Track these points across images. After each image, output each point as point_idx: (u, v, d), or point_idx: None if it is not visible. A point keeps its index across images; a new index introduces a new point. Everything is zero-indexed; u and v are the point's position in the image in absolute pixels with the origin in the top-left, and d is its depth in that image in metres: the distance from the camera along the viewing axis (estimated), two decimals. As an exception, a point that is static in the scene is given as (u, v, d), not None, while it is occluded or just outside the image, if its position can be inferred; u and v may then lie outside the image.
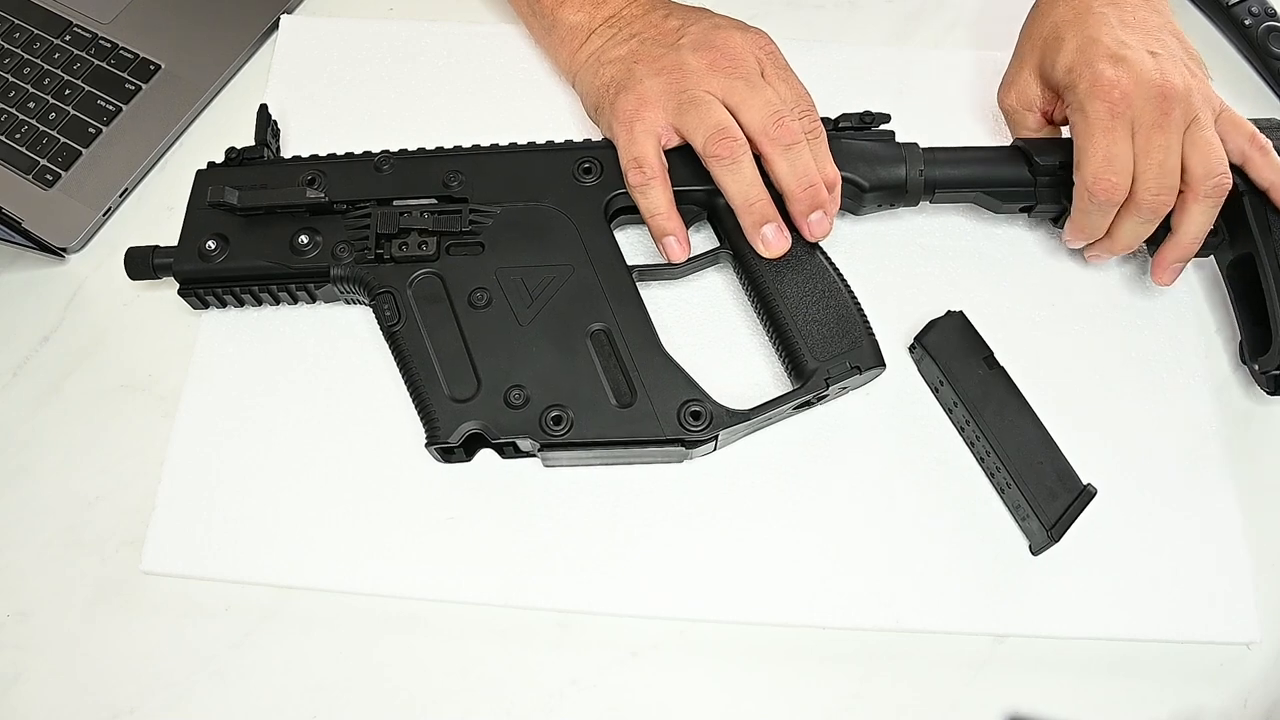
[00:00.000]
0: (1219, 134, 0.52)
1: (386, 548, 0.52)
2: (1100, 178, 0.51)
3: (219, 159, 0.57)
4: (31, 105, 0.64)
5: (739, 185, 0.52)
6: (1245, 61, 0.67)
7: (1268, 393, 0.55)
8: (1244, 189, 0.54)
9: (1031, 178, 0.56)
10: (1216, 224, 0.54)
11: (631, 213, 0.55)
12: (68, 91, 0.64)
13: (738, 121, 0.52)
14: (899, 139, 0.57)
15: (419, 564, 0.51)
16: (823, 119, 0.54)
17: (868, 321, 0.53)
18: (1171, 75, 0.51)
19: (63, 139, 0.63)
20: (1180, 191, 0.52)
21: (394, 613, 0.52)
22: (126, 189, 0.62)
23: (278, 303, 0.56)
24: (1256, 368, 0.54)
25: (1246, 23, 0.67)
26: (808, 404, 0.54)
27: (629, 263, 0.54)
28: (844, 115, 0.56)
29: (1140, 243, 0.54)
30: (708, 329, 0.57)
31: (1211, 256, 0.58)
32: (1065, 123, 0.55)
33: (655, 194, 0.53)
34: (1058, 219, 0.57)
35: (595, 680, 0.50)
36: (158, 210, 0.62)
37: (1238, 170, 0.53)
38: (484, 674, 0.51)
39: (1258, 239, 0.54)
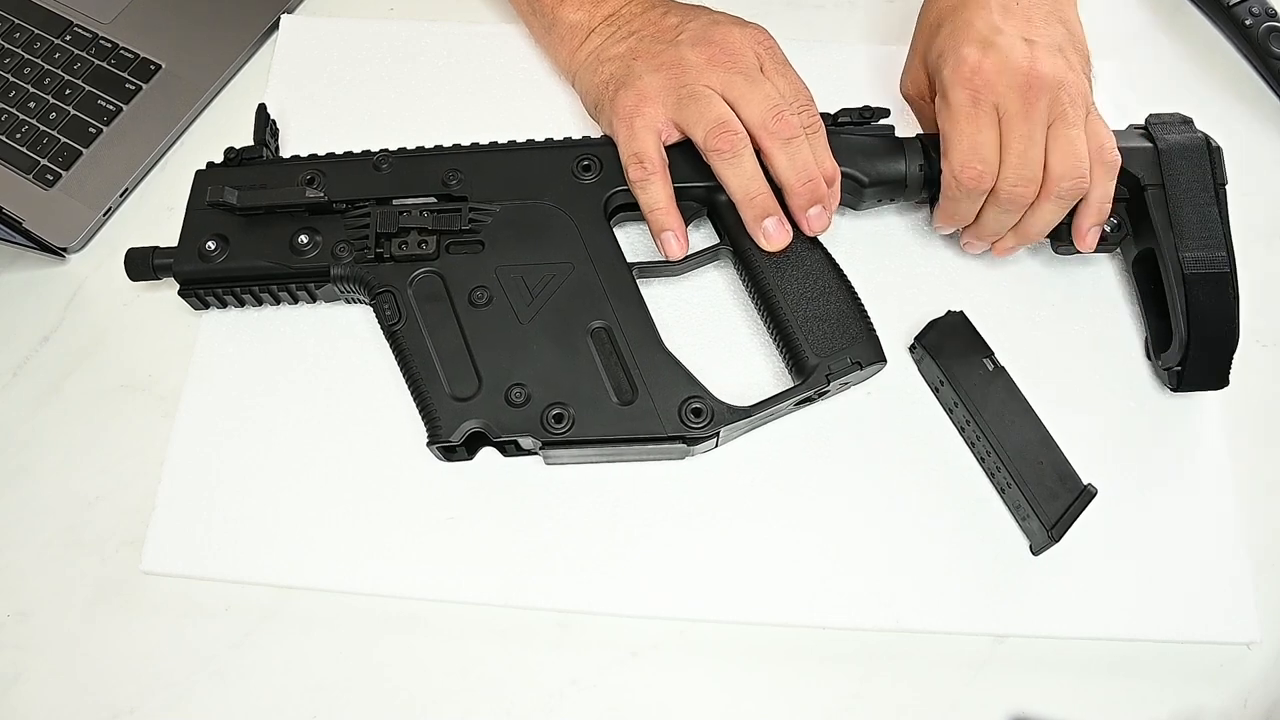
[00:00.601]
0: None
1: (386, 548, 0.52)
2: (966, 165, 0.50)
3: (219, 159, 0.57)
4: (32, 105, 0.64)
5: (740, 179, 0.52)
6: (1245, 61, 0.67)
7: (1171, 389, 0.55)
8: (1146, 184, 0.54)
9: (932, 173, 0.55)
10: (1121, 219, 0.55)
11: (631, 210, 0.55)
12: (68, 91, 0.64)
13: (737, 116, 0.52)
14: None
15: (419, 564, 0.51)
16: (822, 114, 0.54)
17: (868, 317, 0.53)
18: (1042, 64, 0.49)
19: (63, 139, 0.63)
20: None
21: (394, 613, 0.52)
22: (127, 189, 0.62)
23: (278, 302, 0.56)
24: (1159, 363, 0.55)
25: (1247, 23, 0.67)
26: (809, 400, 0.54)
27: (629, 260, 0.54)
28: (843, 110, 0.56)
29: (1005, 230, 0.54)
30: (708, 326, 0.57)
31: (1117, 251, 0.58)
32: None
33: (655, 189, 0.53)
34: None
35: (595, 680, 0.50)
36: (158, 210, 0.62)
37: (1136, 164, 0.54)
38: (484, 674, 0.51)
39: (1159, 235, 0.54)
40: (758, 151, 0.52)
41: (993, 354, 0.53)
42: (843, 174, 0.54)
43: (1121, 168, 0.55)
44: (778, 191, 0.53)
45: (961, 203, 0.52)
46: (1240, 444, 0.55)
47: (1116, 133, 0.57)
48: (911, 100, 0.58)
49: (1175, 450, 0.55)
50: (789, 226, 0.53)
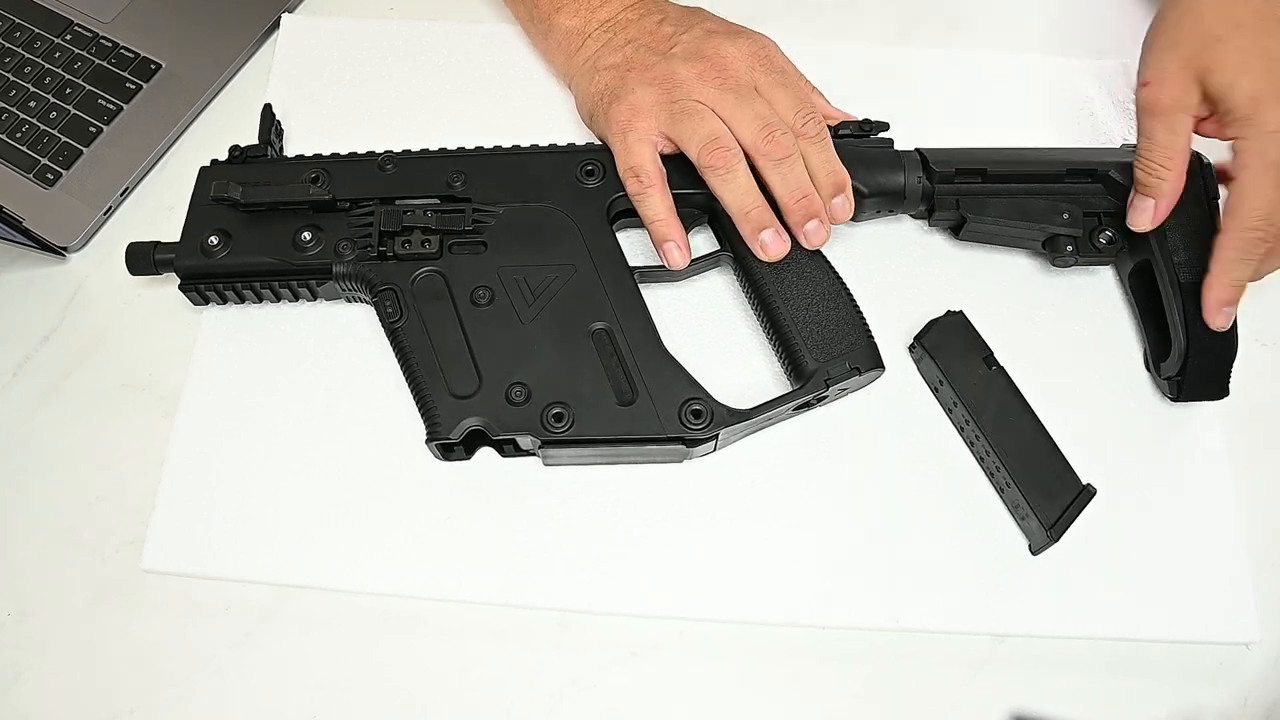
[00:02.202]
0: None
1: (386, 548, 0.52)
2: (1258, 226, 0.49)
3: (220, 158, 0.57)
4: (32, 104, 0.64)
5: (734, 194, 0.52)
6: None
7: (1171, 398, 0.55)
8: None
9: (931, 185, 0.56)
10: (1115, 233, 0.56)
11: (634, 215, 0.55)
12: (68, 90, 0.64)
13: (732, 134, 0.52)
14: (898, 140, 0.57)
15: (419, 564, 0.51)
16: None
17: (867, 324, 0.53)
18: None
19: (63, 138, 0.63)
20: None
21: (394, 613, 0.52)
22: (127, 188, 0.62)
23: (279, 299, 0.56)
24: (1159, 373, 0.55)
25: (1246, 23, 0.66)
26: (807, 405, 0.54)
27: (631, 264, 0.54)
28: (843, 123, 0.57)
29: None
30: (708, 329, 0.57)
31: (1111, 265, 0.59)
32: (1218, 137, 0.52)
33: (654, 201, 0.53)
34: (957, 229, 0.57)
35: (595, 680, 0.50)
36: (158, 209, 0.62)
37: (1130, 179, 0.54)
38: (484, 674, 0.51)
39: (1154, 246, 0.54)
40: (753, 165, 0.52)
41: (992, 354, 0.53)
42: None
43: (1115, 181, 0.55)
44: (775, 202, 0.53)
45: (1245, 264, 0.50)
46: (1240, 444, 0.55)
47: (1111, 149, 0.58)
48: (1157, 107, 0.51)
49: (1175, 450, 0.55)
50: (786, 236, 0.53)
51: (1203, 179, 0.55)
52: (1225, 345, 0.53)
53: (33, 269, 0.60)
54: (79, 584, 0.52)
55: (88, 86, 0.64)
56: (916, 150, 0.57)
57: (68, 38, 0.66)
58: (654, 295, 0.56)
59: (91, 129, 0.63)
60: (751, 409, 0.51)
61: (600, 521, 0.52)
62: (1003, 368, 0.53)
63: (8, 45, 0.66)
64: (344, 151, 0.57)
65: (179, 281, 0.55)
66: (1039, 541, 0.51)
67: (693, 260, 0.54)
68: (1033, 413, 0.52)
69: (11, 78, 0.65)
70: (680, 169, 0.54)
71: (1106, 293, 0.59)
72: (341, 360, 0.56)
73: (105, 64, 0.65)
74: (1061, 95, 0.65)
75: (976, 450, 0.54)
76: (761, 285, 0.54)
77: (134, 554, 0.52)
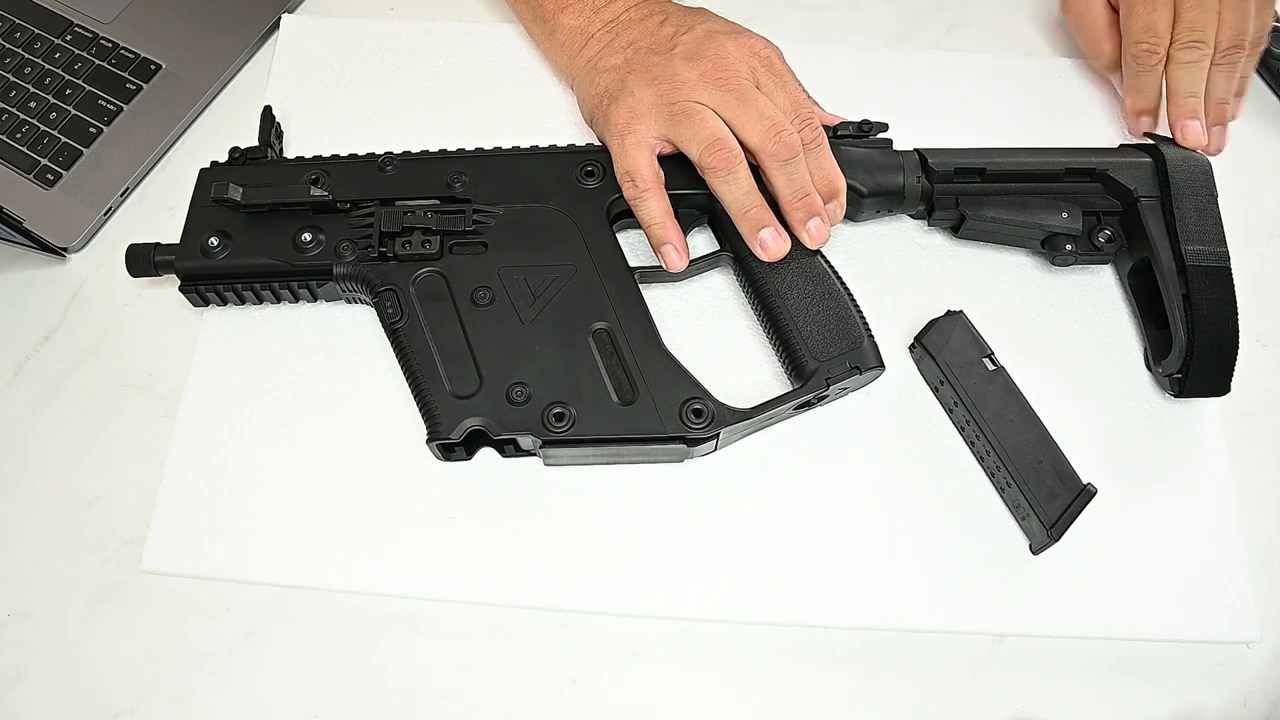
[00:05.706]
0: None
1: (386, 548, 0.52)
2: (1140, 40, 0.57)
3: (220, 158, 0.57)
4: (33, 105, 0.64)
5: (735, 194, 0.52)
6: (1244, 62, 0.67)
7: (1173, 395, 0.55)
8: (1139, 195, 0.55)
9: (930, 185, 0.56)
10: (1115, 231, 0.56)
11: (634, 215, 0.55)
12: (69, 91, 0.64)
13: (735, 135, 0.52)
14: (897, 141, 0.57)
15: (419, 564, 0.51)
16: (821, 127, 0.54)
17: (867, 323, 0.53)
18: None
19: (64, 138, 0.63)
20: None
21: (394, 613, 0.52)
22: (127, 189, 0.62)
23: (279, 300, 0.56)
24: (1160, 370, 0.55)
25: (1246, 24, 0.66)
26: (808, 405, 0.54)
27: (632, 264, 0.54)
28: (842, 124, 0.57)
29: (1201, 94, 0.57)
30: (708, 329, 0.57)
31: (1111, 265, 0.59)
32: None
33: (650, 205, 0.53)
34: (956, 227, 0.57)
35: (595, 680, 0.50)
36: (158, 210, 0.62)
37: (1128, 177, 0.56)
38: (484, 674, 0.51)
39: (1154, 244, 0.54)
40: (753, 165, 0.52)
41: (993, 354, 0.53)
42: None
43: (1114, 180, 0.55)
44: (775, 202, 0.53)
45: (1145, 74, 0.59)
46: (1240, 443, 0.55)
47: (1110, 149, 0.58)
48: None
49: (1175, 449, 0.55)
50: (786, 236, 0.53)
51: (1206, 178, 0.55)
52: (1227, 338, 0.53)
53: (33, 269, 0.60)
54: (79, 584, 0.52)
55: (88, 87, 0.64)
56: (915, 150, 0.57)
57: (68, 38, 0.66)
58: (654, 295, 0.56)
59: (91, 129, 0.63)
60: (752, 408, 0.51)
61: (600, 521, 0.52)
62: (1003, 367, 0.53)
63: (8, 46, 0.66)
64: (344, 152, 0.57)
65: (179, 283, 0.55)
66: (1039, 541, 0.51)
67: (692, 261, 0.54)
68: (1033, 412, 0.52)
69: (11, 78, 0.65)
70: (679, 169, 0.54)
71: (1106, 292, 0.59)
72: (341, 361, 0.56)
73: (105, 64, 0.65)
74: (1061, 95, 0.65)
75: (977, 450, 0.54)
76: (761, 285, 0.54)
77: (134, 554, 0.52)
